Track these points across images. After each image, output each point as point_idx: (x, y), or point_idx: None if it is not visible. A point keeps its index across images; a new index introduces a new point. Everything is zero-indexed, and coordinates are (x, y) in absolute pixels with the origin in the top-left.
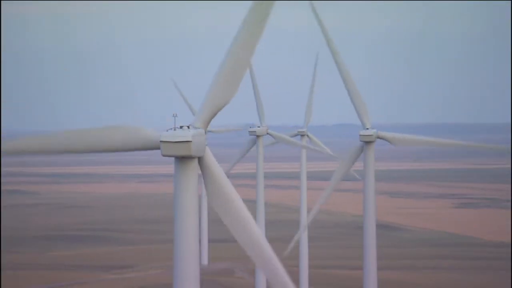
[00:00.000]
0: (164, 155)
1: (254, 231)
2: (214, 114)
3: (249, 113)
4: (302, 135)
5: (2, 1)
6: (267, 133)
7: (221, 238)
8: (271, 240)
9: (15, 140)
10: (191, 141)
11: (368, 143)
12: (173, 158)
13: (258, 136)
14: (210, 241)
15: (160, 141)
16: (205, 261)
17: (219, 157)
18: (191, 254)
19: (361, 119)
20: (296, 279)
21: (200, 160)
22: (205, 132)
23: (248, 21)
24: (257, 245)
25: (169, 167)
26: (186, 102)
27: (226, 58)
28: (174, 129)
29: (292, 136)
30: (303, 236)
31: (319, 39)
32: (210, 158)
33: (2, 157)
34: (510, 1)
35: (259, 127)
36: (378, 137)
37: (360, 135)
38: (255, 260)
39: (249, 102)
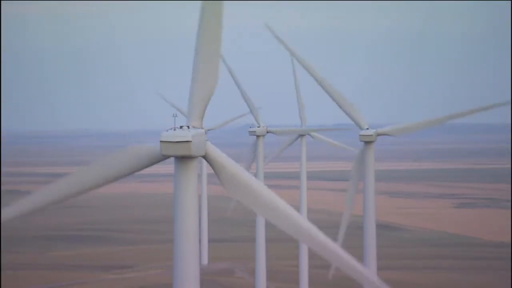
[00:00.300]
0: (164, 155)
1: (288, 211)
2: (205, 108)
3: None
4: (302, 135)
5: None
6: (267, 132)
7: (221, 238)
8: (271, 240)
9: (14, 206)
10: (191, 141)
11: (368, 143)
12: (173, 158)
13: (258, 136)
14: (210, 241)
15: (160, 141)
16: (205, 261)
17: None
18: (191, 254)
19: (356, 122)
20: (296, 279)
21: (206, 157)
22: (206, 132)
23: (205, 16)
24: (296, 224)
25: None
26: (177, 109)
27: (196, 55)
28: (174, 129)
29: (293, 140)
30: None
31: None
32: (215, 152)
33: (2, 223)
34: (510, 1)
35: (258, 127)
36: (379, 134)
37: (360, 135)
38: (303, 241)
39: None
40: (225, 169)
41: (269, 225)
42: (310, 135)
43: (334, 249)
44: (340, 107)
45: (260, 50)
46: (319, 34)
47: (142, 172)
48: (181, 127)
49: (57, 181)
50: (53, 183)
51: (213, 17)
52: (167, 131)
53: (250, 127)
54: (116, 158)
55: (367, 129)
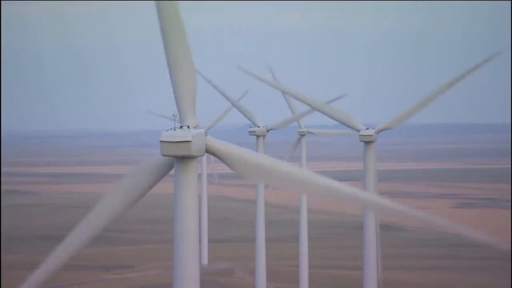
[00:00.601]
0: (164, 155)
1: (301, 173)
2: (194, 105)
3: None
4: (303, 135)
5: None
6: (268, 131)
7: (221, 238)
8: (271, 240)
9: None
10: (191, 141)
11: (368, 143)
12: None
13: (258, 136)
14: (210, 241)
15: (160, 141)
16: (205, 261)
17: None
18: (191, 254)
19: (352, 126)
20: (296, 279)
21: (209, 151)
22: (206, 132)
23: (164, 18)
24: (312, 183)
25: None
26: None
27: (167, 57)
28: (174, 129)
29: (295, 141)
30: (303, 236)
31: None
32: (216, 144)
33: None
34: (510, 1)
35: (258, 127)
36: (379, 132)
37: (360, 135)
38: (326, 196)
39: (249, 103)
40: (232, 155)
41: (269, 225)
42: (311, 132)
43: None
44: (335, 118)
45: (259, 50)
46: (319, 34)
47: None
48: (181, 127)
49: (78, 227)
50: (76, 230)
51: (170, 15)
52: (167, 131)
53: (250, 127)
54: (130, 181)
55: (367, 129)
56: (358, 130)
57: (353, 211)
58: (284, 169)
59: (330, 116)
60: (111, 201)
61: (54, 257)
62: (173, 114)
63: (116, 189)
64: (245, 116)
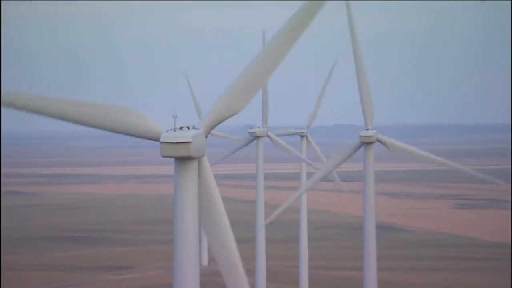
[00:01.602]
0: (164, 156)
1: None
2: (219, 122)
3: (249, 113)
4: (302, 136)
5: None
6: (267, 135)
7: None
8: (271, 240)
9: (16, 92)
10: (191, 142)
11: (368, 144)
12: (173, 159)
13: (258, 137)
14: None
15: (160, 142)
16: (205, 261)
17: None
18: (191, 255)
19: (365, 119)
20: (296, 279)
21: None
22: (206, 136)
23: (289, 26)
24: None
25: (169, 167)
26: (194, 101)
27: (250, 66)
28: (174, 130)
29: (290, 135)
30: (303, 236)
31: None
32: (205, 162)
33: (2, 108)
34: (510, 1)
35: (259, 128)
36: (378, 140)
37: (360, 135)
38: (220, 263)
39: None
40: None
41: (269, 226)
42: (307, 136)
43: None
44: (361, 103)
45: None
46: (319, 34)
47: (142, 172)
48: (181, 128)
49: (62, 100)
50: (58, 99)
51: (292, 38)
52: (167, 132)
53: (250, 128)
54: (120, 113)
55: (368, 130)
56: (366, 128)
57: (353, 211)
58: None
59: (362, 100)
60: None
61: None
62: (173, 115)
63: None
64: (262, 111)
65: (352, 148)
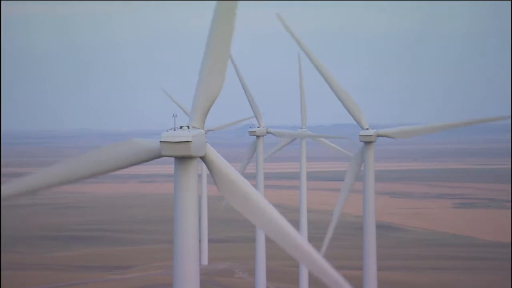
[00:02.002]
0: (164, 156)
1: (285, 226)
2: (208, 109)
3: (249, 113)
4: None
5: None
6: (267, 133)
7: (221, 238)
8: (271, 240)
9: (13, 183)
10: (191, 141)
11: (368, 143)
12: (173, 158)
13: (258, 137)
14: (210, 241)
15: (160, 141)
16: (205, 261)
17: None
18: (191, 254)
19: (358, 121)
20: (296, 279)
21: (204, 158)
22: (206, 132)
23: (218, 17)
24: (292, 240)
25: (169, 167)
26: (178, 105)
27: (205, 55)
28: (174, 129)
29: (289, 142)
30: (303, 236)
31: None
32: (213, 154)
33: (2, 201)
34: (510, 1)
35: (258, 127)
36: (379, 135)
37: (360, 135)
38: (297, 257)
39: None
40: (223, 174)
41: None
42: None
43: (328, 270)
44: (345, 106)
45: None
46: (320, 34)
47: (142, 172)
48: (181, 127)
49: (57, 165)
50: (53, 167)
51: (225, 18)
52: (167, 131)
53: (250, 127)
54: (116, 149)
55: (367, 129)
56: (362, 128)
57: (353, 211)
58: (260, 208)
59: (345, 106)
60: (90, 161)
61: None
62: (173, 114)
63: (98, 154)
64: (254, 114)
65: (359, 153)
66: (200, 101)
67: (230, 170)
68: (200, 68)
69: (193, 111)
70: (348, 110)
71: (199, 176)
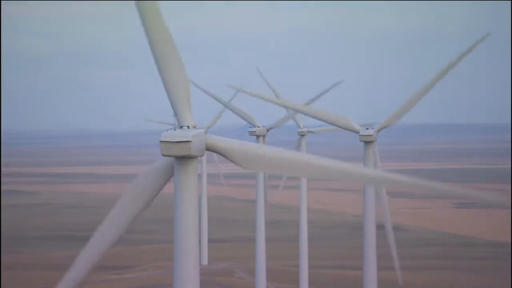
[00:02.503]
0: (164, 155)
1: (307, 158)
2: (189, 104)
3: (250, 113)
4: (302, 135)
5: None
6: (268, 131)
7: (221, 238)
8: (271, 240)
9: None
10: (191, 141)
11: (368, 143)
12: (173, 158)
13: (258, 136)
14: (210, 241)
15: (160, 142)
16: (205, 261)
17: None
18: (191, 254)
19: (351, 129)
20: (296, 279)
21: (210, 148)
22: (206, 131)
23: (146, 19)
24: (320, 167)
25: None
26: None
27: (156, 59)
28: (174, 129)
29: (297, 141)
30: (303, 236)
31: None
32: (216, 140)
33: None
34: (510, 1)
35: (258, 127)
36: (379, 131)
37: (360, 135)
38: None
39: (249, 103)
40: (233, 149)
41: (269, 225)
42: (311, 131)
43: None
44: (333, 123)
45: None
46: (319, 34)
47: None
48: (181, 127)
49: (96, 234)
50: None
51: (152, 15)
52: (167, 131)
53: (250, 127)
54: (138, 186)
55: (367, 129)
56: (357, 132)
57: (353, 211)
58: (287, 156)
59: (333, 123)
60: (127, 204)
61: (79, 263)
62: (173, 114)
63: (130, 191)
64: (241, 117)
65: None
66: (178, 101)
67: (237, 144)
68: (160, 75)
69: (177, 111)
70: (339, 126)
71: (199, 176)
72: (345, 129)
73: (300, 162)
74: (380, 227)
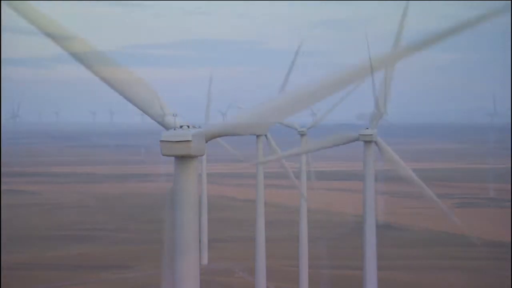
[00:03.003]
0: (164, 155)
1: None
2: (221, 135)
3: None
4: (302, 135)
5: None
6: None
7: (221, 238)
8: (271, 240)
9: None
10: (191, 141)
11: (367, 142)
12: (173, 158)
13: (258, 136)
14: (210, 241)
15: (160, 141)
16: (205, 261)
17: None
18: (191, 254)
19: (372, 119)
20: (296, 279)
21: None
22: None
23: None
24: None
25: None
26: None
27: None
28: (174, 129)
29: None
30: (303, 236)
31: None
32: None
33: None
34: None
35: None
36: (375, 119)
37: (360, 134)
38: None
39: (249, 102)
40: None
41: (269, 225)
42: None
43: None
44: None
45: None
46: (320, 34)
47: (142, 172)
48: (181, 126)
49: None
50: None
51: (33, 15)
52: (167, 131)
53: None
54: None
55: (367, 128)
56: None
57: (353, 210)
58: (292, 95)
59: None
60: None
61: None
62: (173, 114)
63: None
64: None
65: (346, 138)
66: (150, 103)
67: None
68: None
69: (212, 125)
70: (376, 104)
71: (199, 175)
72: (346, 143)
73: (302, 95)
74: (380, 227)
